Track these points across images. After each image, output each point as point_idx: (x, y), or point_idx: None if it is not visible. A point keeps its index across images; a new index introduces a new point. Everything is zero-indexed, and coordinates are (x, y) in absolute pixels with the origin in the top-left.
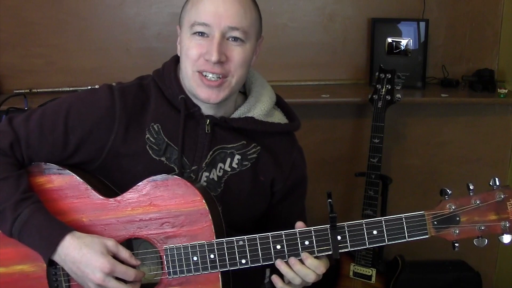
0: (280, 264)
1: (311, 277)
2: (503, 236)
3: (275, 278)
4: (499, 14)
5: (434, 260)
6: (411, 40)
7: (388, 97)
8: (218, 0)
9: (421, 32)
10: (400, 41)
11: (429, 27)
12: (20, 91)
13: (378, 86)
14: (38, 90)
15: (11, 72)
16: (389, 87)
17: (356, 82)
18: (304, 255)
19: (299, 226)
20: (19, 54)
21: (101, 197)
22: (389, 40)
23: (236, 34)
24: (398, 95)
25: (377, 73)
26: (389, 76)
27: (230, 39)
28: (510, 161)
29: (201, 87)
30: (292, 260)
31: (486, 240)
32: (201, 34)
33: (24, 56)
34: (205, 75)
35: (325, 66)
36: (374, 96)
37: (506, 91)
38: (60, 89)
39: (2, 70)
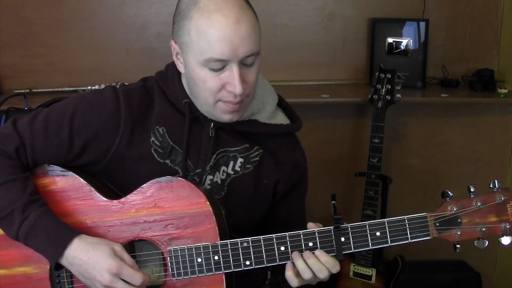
0: (296, 256)
1: (324, 273)
2: (502, 238)
3: (288, 265)
4: (499, 14)
5: (434, 260)
6: (411, 40)
7: (388, 97)
8: (230, 30)
9: (421, 32)
10: (400, 41)
11: (429, 27)
12: (20, 91)
13: (378, 86)
14: (38, 90)
15: (11, 72)
16: (389, 87)
17: (356, 82)
18: (319, 252)
19: (311, 226)
20: (19, 54)
21: (105, 199)
22: (389, 40)
23: (252, 59)
24: (398, 95)
25: (377, 73)
26: (389, 76)
27: (246, 63)
28: (510, 161)
29: (225, 113)
30: (307, 254)
31: (487, 241)
32: (218, 69)
33: (24, 56)
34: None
35: (325, 66)
36: (374, 96)
37: (506, 91)
38: (60, 89)
39: (2, 70)
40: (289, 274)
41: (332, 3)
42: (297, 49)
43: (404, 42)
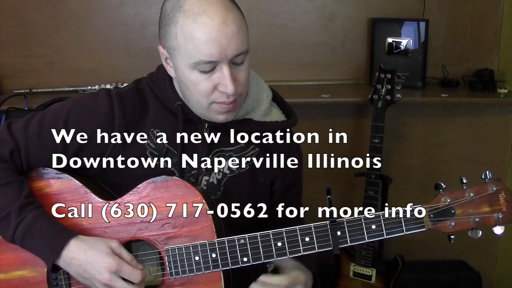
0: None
1: None
2: (495, 228)
3: None
4: (499, 14)
5: (434, 260)
6: (411, 40)
7: (388, 97)
8: (217, 31)
9: (421, 32)
10: (400, 41)
11: (429, 27)
12: (20, 91)
13: (378, 86)
14: (38, 90)
15: (11, 72)
16: (389, 87)
17: (356, 82)
18: (262, 277)
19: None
20: (19, 54)
21: (101, 200)
22: (389, 40)
23: (241, 58)
24: (398, 95)
25: (377, 73)
26: (389, 76)
27: (236, 63)
28: (510, 161)
29: (219, 114)
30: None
31: (480, 231)
32: (208, 71)
33: (24, 56)
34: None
35: (325, 66)
36: (374, 96)
37: (506, 91)
38: (60, 89)
39: (2, 70)
40: None
41: (332, 3)
42: (297, 49)
43: (404, 42)
